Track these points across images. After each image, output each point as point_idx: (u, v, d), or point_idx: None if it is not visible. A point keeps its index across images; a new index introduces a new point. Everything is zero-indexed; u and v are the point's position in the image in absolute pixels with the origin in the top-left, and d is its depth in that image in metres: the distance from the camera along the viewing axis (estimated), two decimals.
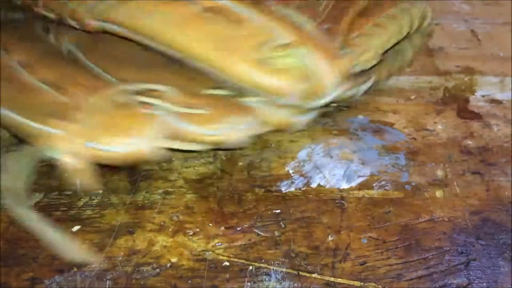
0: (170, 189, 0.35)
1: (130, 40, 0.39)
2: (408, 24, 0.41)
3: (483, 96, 0.46)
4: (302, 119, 0.38)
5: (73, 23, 0.40)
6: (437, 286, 0.29)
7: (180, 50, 0.36)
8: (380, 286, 0.29)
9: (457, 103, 0.45)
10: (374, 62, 0.39)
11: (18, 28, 0.44)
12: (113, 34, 0.39)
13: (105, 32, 0.40)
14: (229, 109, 0.36)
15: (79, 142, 0.32)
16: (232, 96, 0.37)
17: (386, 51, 0.40)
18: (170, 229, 0.32)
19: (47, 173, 0.36)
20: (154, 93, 0.36)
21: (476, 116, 0.43)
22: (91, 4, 0.38)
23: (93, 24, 0.39)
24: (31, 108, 0.34)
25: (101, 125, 0.33)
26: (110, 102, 0.35)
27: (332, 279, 0.29)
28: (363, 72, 0.41)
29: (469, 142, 0.40)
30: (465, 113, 0.44)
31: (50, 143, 0.33)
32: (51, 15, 0.41)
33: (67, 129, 0.32)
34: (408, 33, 0.41)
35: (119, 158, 0.33)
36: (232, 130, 0.35)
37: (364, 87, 0.42)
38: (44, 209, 0.33)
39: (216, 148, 0.37)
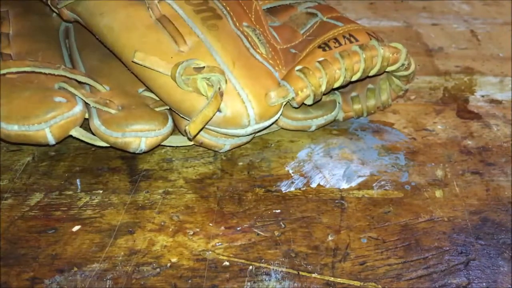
0: (170, 189, 0.35)
1: None
2: (365, 64, 0.37)
3: (482, 96, 0.46)
4: (226, 143, 0.37)
5: (54, 9, 0.41)
6: (437, 286, 0.29)
7: (117, 54, 0.37)
8: (379, 286, 0.29)
9: (457, 103, 0.45)
10: (311, 101, 0.37)
11: (22, 1, 0.45)
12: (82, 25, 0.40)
13: (77, 21, 0.41)
14: (140, 115, 0.36)
15: None
16: (157, 101, 0.37)
17: (328, 91, 0.37)
18: (170, 229, 0.32)
19: (47, 173, 0.36)
20: (82, 85, 0.37)
21: (476, 116, 0.43)
22: None
23: (66, 13, 0.40)
24: None
25: (8, 104, 0.34)
26: (31, 83, 0.35)
27: (332, 278, 0.29)
28: (319, 107, 0.40)
29: (469, 142, 0.40)
30: (465, 113, 0.44)
31: None
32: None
33: None
34: (368, 73, 0.38)
35: (12, 136, 0.34)
36: (137, 136, 0.35)
37: (320, 121, 0.40)
38: (44, 209, 0.33)
39: (121, 149, 0.37)
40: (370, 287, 0.29)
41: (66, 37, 0.44)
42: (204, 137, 0.37)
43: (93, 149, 0.39)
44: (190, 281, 0.29)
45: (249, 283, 0.29)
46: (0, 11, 0.44)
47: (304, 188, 0.35)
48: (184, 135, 0.38)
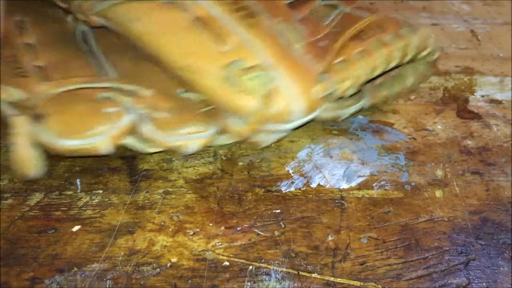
0: (170, 189, 0.35)
1: None
2: (400, 53, 0.38)
3: (482, 96, 0.46)
4: (269, 138, 0.38)
5: (80, 16, 0.41)
6: (437, 286, 0.29)
7: (161, 56, 0.37)
8: (379, 286, 0.29)
9: (457, 103, 0.45)
10: (352, 92, 0.38)
11: (34, 6, 0.45)
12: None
13: (103, 27, 0.40)
14: (188, 117, 0.36)
15: (37, 131, 0.33)
16: (203, 101, 0.37)
17: (374, 79, 0.39)
18: (170, 229, 0.32)
19: (47, 173, 0.36)
20: (128, 91, 0.36)
21: (476, 116, 0.43)
22: (94, 2, 0.39)
23: (96, 20, 0.40)
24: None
25: (62, 120, 0.34)
26: (77, 96, 0.35)
27: (332, 278, 0.29)
28: (350, 96, 0.40)
29: (469, 142, 0.40)
30: (465, 113, 0.44)
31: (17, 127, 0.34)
32: (63, 5, 0.42)
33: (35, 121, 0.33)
34: (402, 62, 0.39)
35: (72, 151, 0.34)
36: (189, 139, 0.35)
37: (351, 110, 0.41)
38: (44, 209, 0.33)
39: (172, 151, 0.37)
40: (370, 287, 0.29)
41: (83, 41, 0.44)
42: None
43: None
44: (190, 281, 0.29)
45: (249, 283, 0.29)
46: (17, 20, 0.43)
47: (304, 188, 0.35)
48: (231, 136, 0.38)
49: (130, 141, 0.36)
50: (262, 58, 0.35)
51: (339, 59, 0.37)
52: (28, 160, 0.33)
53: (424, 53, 0.39)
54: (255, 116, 0.34)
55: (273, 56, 0.35)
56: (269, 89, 0.34)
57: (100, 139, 0.34)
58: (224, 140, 0.38)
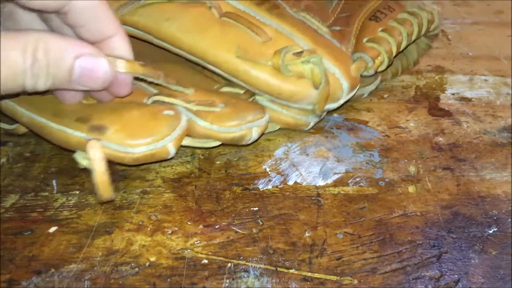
0: (148, 189, 0.35)
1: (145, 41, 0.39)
2: (417, 28, 0.42)
3: (453, 94, 0.47)
4: (310, 120, 0.39)
5: None
6: (411, 278, 0.29)
7: (199, 55, 0.37)
8: (355, 280, 0.29)
9: (428, 101, 0.46)
10: (385, 66, 0.41)
11: None
12: (132, 36, 0.39)
13: None
14: (244, 107, 0.36)
15: (105, 146, 0.32)
16: (244, 94, 0.38)
17: (396, 55, 0.42)
18: (149, 228, 0.32)
19: (23, 175, 0.36)
20: (171, 92, 0.36)
21: (447, 114, 0.44)
22: (113, 8, 0.38)
23: None
24: (62, 113, 0.34)
25: (124, 128, 0.32)
26: (127, 104, 0.34)
27: (309, 274, 0.30)
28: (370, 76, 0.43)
29: (440, 138, 0.41)
30: (436, 110, 0.45)
31: (82, 148, 0.32)
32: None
33: (94, 134, 0.32)
34: (419, 35, 0.43)
35: (140, 159, 0.33)
36: (247, 128, 0.36)
37: (371, 87, 0.45)
38: (20, 210, 0.33)
39: (231, 144, 0.38)
40: (346, 281, 0.29)
41: None
42: (291, 118, 0.39)
43: None
44: (169, 279, 0.29)
45: (228, 280, 0.29)
46: None
47: (281, 186, 0.36)
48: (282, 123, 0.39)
49: (187, 142, 0.35)
50: (301, 44, 0.36)
51: (366, 38, 0.40)
52: (108, 184, 0.31)
53: (433, 26, 0.44)
54: (325, 93, 0.36)
55: (311, 41, 0.37)
56: (317, 73, 0.35)
57: (168, 142, 0.33)
58: (272, 127, 0.40)
